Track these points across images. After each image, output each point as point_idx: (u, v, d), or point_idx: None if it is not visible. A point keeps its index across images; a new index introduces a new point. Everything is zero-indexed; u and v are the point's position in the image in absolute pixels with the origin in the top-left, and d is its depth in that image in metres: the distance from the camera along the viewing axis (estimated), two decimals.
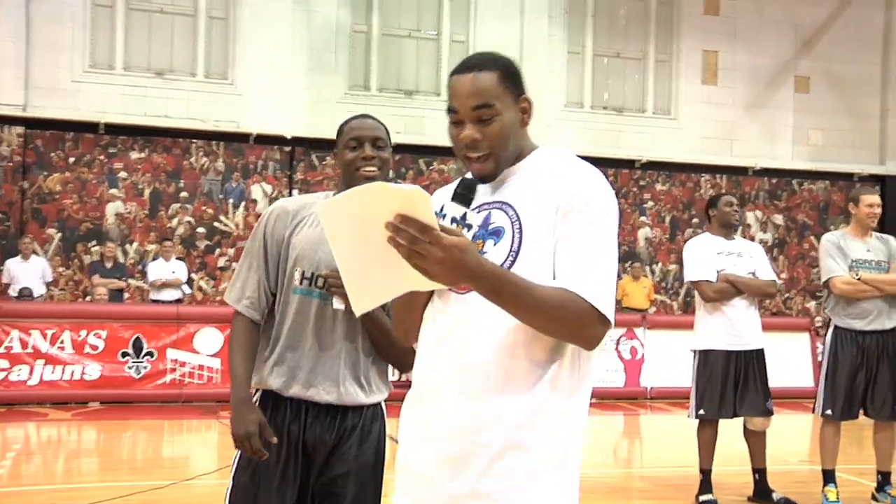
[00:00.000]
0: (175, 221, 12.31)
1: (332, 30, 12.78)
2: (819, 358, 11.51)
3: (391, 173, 2.71)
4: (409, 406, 1.93)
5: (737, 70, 14.16)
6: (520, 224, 1.82)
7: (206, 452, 7.85)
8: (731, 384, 5.60)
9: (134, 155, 12.21)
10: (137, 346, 9.45)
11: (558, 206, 1.80)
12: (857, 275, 5.41)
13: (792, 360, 10.99)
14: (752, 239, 13.34)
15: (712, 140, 13.99)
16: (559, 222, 1.79)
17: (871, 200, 5.58)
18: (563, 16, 13.72)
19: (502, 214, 1.85)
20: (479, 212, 1.90)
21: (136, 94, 12.13)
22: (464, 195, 1.87)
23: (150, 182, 12.26)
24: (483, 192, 1.91)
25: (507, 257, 1.80)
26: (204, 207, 12.39)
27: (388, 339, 2.51)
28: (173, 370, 9.51)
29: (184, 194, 12.34)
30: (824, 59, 14.39)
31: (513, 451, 1.78)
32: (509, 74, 1.88)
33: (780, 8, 14.24)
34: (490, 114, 1.84)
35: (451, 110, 1.88)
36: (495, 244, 1.82)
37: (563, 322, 1.74)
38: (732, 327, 5.59)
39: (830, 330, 5.56)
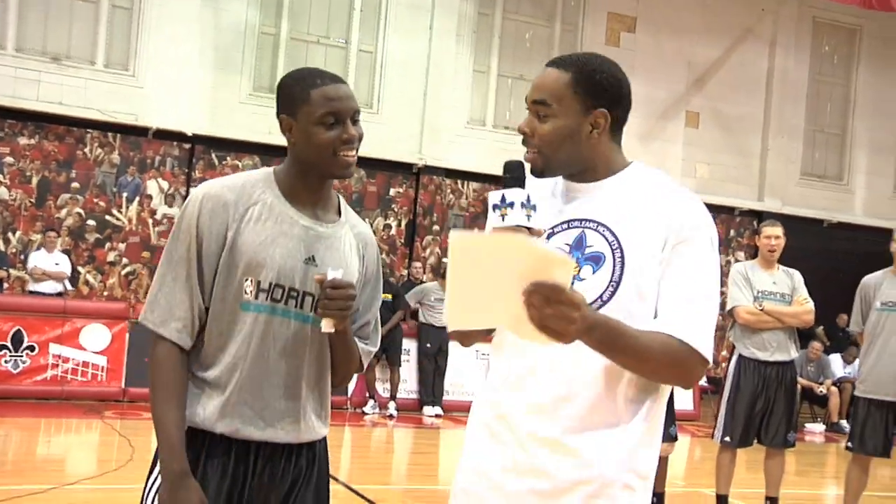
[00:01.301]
0: (64, 212, 11.61)
1: (240, 29, 12.37)
2: (700, 381, 11.77)
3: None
4: (480, 438, 1.84)
5: (633, 101, 14.34)
6: (621, 252, 1.73)
7: (85, 455, 7.32)
8: None
9: (23, 141, 11.45)
10: (17, 340, 8.78)
11: (666, 239, 1.72)
12: (760, 305, 5.45)
13: None
14: None
15: None
16: (668, 256, 1.72)
17: (769, 233, 5.64)
18: (471, 35, 13.68)
19: (599, 238, 1.76)
20: (569, 228, 1.80)
21: (29, 78, 11.39)
22: (515, 178, 1.70)
23: (38, 170, 11.53)
24: (571, 205, 1.81)
25: (608, 287, 1.72)
26: (96, 200, 11.74)
27: (352, 366, 2.12)
28: (55, 366, 8.89)
29: (75, 185, 11.66)
30: (714, 97, 14.80)
31: (611, 488, 1.73)
32: (586, 80, 1.78)
33: (677, 45, 14.58)
34: (545, 112, 1.76)
35: (527, 98, 1.82)
36: (594, 272, 1.74)
37: (668, 369, 1.70)
38: None
39: (734, 358, 5.59)
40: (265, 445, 2.01)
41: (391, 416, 9.84)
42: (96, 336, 9.04)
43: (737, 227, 15.07)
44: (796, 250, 13.41)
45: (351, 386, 9.76)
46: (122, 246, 11.81)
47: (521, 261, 1.50)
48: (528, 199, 1.70)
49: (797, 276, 5.63)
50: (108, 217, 11.80)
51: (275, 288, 2.00)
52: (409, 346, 10.47)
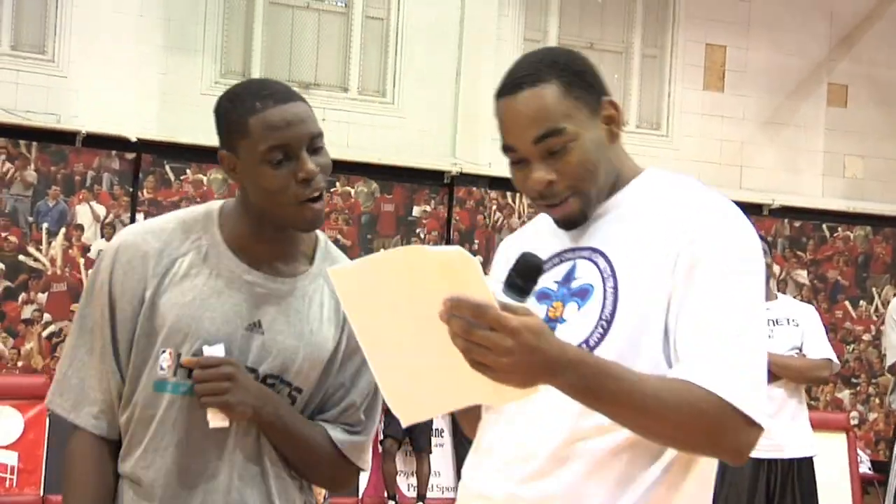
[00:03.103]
0: None
1: None
2: (862, 468, 11.53)
3: None
4: None
5: (750, 73, 14.28)
6: (614, 281, 1.82)
7: None
8: None
9: None
10: None
11: (677, 257, 1.79)
12: None
13: (822, 473, 10.92)
14: None
15: (715, 166, 14.04)
16: (680, 281, 1.78)
17: None
18: None
19: (590, 267, 1.87)
20: (560, 262, 1.93)
21: None
22: (519, 286, 1.77)
23: None
24: (563, 239, 1.95)
25: (596, 327, 1.80)
26: (5, 234, 11.90)
27: (310, 456, 2.24)
28: None
29: None
30: (868, 60, 14.65)
31: None
32: (576, 77, 1.90)
33: None
34: (561, 142, 1.85)
35: (507, 148, 1.91)
36: (580, 308, 1.84)
37: (689, 429, 1.71)
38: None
39: None
40: None
41: None
42: (6, 424, 9.07)
43: None
44: None
45: (362, 482, 9.70)
46: (42, 297, 11.90)
47: (420, 278, 1.59)
48: None
49: None
50: (22, 257, 11.92)
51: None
52: (442, 425, 10.40)
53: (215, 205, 2.29)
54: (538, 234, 2.06)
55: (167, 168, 12.34)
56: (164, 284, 2.15)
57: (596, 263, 1.87)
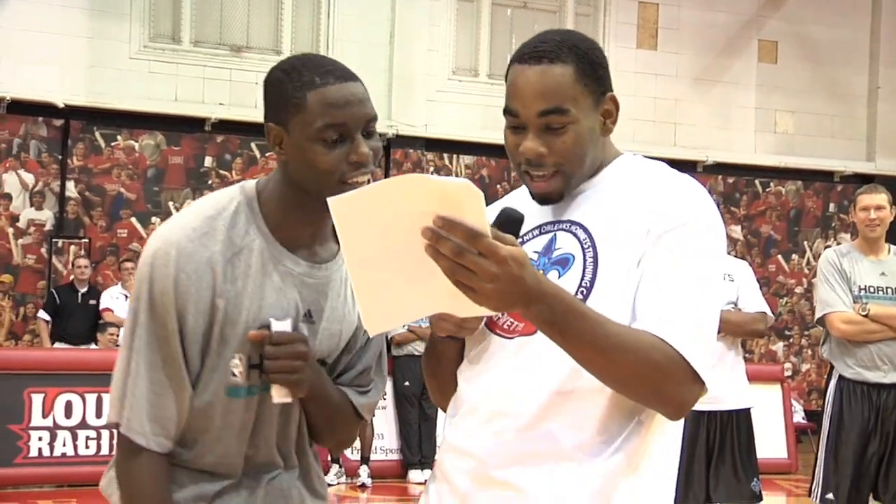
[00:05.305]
0: None
1: None
2: (795, 417, 11.74)
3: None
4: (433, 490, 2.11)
5: (683, 31, 14.36)
6: (594, 250, 1.93)
7: None
8: (703, 458, 5.60)
9: None
10: None
11: (649, 230, 1.90)
12: (864, 309, 5.40)
13: (759, 424, 11.09)
14: None
15: (650, 124, 14.13)
16: (651, 249, 1.89)
17: (867, 202, 5.61)
18: None
19: (570, 238, 1.98)
20: (540, 234, 2.04)
21: None
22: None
23: None
24: (544, 212, 2.05)
25: (577, 293, 1.90)
26: None
27: (335, 421, 2.30)
28: None
29: None
30: (797, 19, 14.78)
31: None
32: (590, 67, 1.98)
33: None
34: (562, 121, 1.94)
35: (509, 111, 1.99)
36: (560, 276, 1.94)
37: (641, 373, 1.81)
38: None
39: (833, 382, 5.57)
40: None
41: (363, 487, 9.81)
42: None
43: (837, 200, 15.02)
44: None
45: None
46: None
47: (418, 205, 1.65)
48: None
49: None
50: None
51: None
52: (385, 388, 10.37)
53: (250, 189, 2.20)
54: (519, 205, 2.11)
55: (97, 135, 12.17)
56: (232, 289, 2.09)
57: (576, 235, 1.97)
